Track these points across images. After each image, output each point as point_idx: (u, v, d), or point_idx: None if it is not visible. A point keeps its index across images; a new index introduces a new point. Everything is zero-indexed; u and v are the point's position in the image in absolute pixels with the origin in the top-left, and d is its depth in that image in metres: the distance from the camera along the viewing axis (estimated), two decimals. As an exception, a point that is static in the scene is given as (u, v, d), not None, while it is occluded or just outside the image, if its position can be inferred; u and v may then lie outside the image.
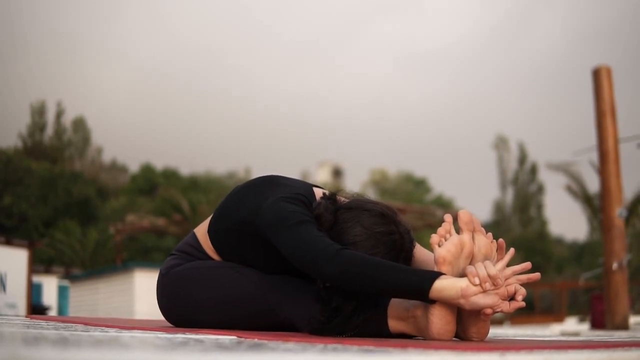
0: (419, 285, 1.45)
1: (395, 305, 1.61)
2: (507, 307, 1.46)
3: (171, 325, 1.92)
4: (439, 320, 1.50)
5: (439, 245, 1.53)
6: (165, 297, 1.89)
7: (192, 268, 1.84)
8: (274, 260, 1.72)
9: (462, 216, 1.56)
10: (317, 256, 1.52)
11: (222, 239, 1.84)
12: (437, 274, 1.46)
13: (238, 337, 1.40)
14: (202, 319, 1.80)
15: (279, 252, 1.65)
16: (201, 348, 0.99)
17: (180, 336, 1.35)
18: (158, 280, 1.92)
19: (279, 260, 1.68)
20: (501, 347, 1.15)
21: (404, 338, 1.57)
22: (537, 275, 1.50)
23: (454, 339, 1.55)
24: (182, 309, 1.85)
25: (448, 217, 1.58)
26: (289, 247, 1.59)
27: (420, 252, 1.81)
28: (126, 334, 1.38)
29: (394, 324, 1.61)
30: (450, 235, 1.55)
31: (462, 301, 1.44)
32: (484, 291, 1.44)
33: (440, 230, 1.56)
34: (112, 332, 1.42)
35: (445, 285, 1.44)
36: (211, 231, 1.85)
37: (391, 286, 1.48)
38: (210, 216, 1.90)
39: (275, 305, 1.71)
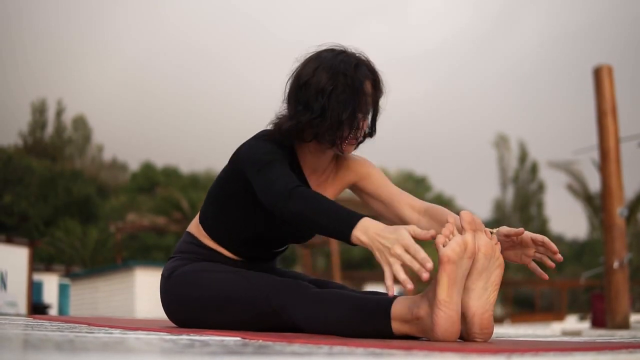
0: (343, 229, 1.53)
1: (399, 306, 1.61)
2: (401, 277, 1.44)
3: (174, 325, 1.93)
4: (444, 321, 1.50)
5: (444, 246, 1.54)
6: (169, 300, 1.90)
7: (194, 271, 1.85)
8: (260, 217, 1.82)
9: (464, 216, 1.57)
10: (274, 198, 1.64)
11: (212, 217, 1.91)
12: (361, 216, 1.53)
13: (243, 338, 1.40)
14: (205, 321, 1.81)
15: (259, 205, 1.77)
16: (208, 351, 0.99)
17: (184, 337, 1.35)
18: (161, 284, 1.93)
19: (265, 217, 1.81)
20: (507, 349, 1.15)
21: (409, 339, 1.56)
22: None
23: (458, 340, 1.55)
24: (185, 312, 1.85)
25: (451, 218, 1.59)
26: (258, 190, 1.71)
27: (387, 185, 1.97)
28: (131, 335, 1.38)
29: (397, 326, 1.60)
30: (454, 236, 1.56)
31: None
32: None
33: (445, 230, 1.56)
34: (117, 334, 1.42)
35: (368, 226, 1.50)
36: (202, 218, 1.94)
37: (327, 231, 1.57)
38: (199, 212, 1.99)
39: (278, 307, 1.71)
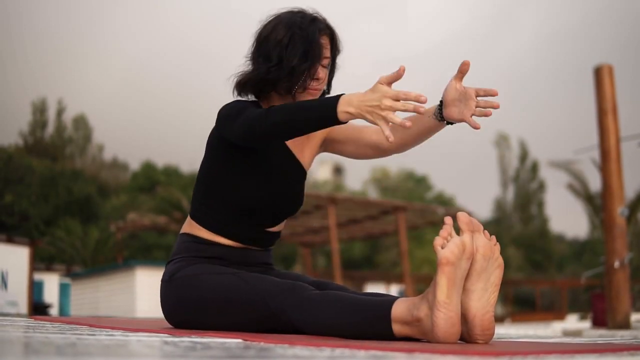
0: (327, 112, 1.60)
1: (399, 308, 1.61)
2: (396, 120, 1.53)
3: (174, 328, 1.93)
4: (444, 323, 1.50)
5: (442, 248, 1.54)
6: (169, 303, 1.90)
7: (194, 274, 1.85)
8: (248, 185, 1.87)
9: (461, 217, 1.57)
10: (253, 126, 1.70)
11: (201, 203, 1.95)
12: (339, 95, 1.61)
13: (244, 340, 1.40)
14: (205, 323, 1.81)
15: (245, 174, 1.86)
16: (209, 354, 0.99)
17: (186, 339, 1.35)
18: (161, 288, 1.93)
19: (252, 184, 1.87)
20: (509, 351, 1.16)
21: (410, 341, 1.57)
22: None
23: (459, 341, 1.55)
24: (185, 314, 1.86)
25: (448, 220, 1.59)
26: (237, 135, 1.77)
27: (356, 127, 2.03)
28: (132, 337, 1.38)
29: (398, 328, 1.60)
30: (452, 237, 1.56)
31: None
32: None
33: (443, 232, 1.57)
34: (119, 336, 1.42)
35: (350, 98, 1.57)
36: (192, 212, 1.97)
37: (313, 122, 1.64)
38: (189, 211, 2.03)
39: (277, 310, 1.71)
